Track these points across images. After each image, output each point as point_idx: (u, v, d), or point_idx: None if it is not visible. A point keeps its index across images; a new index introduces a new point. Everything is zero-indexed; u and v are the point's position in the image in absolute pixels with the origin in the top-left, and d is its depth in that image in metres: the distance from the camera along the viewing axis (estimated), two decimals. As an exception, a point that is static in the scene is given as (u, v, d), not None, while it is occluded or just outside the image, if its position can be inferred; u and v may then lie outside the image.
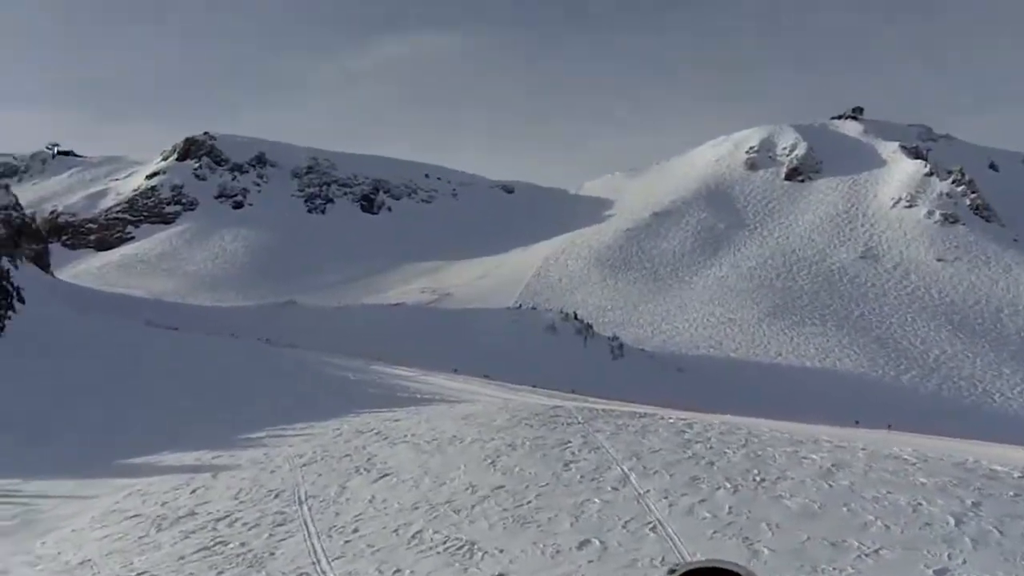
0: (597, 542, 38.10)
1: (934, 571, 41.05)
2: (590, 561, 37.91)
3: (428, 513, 39.61)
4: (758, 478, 40.90)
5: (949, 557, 39.87)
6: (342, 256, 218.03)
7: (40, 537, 38.78)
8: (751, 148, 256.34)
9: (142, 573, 34.69)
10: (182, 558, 35.56)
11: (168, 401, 72.69)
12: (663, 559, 37.34)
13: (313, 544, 38.72)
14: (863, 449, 43.74)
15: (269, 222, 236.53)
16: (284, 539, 38.24)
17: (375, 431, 50.82)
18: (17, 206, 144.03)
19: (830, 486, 41.90)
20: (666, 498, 39.02)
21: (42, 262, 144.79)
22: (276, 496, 40.60)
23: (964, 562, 36.89)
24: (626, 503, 38.79)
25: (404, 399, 77.84)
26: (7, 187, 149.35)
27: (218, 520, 39.40)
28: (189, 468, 47.96)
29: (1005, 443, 69.41)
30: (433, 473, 41.45)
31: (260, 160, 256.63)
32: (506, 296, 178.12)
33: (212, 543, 37.67)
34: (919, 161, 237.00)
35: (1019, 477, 44.26)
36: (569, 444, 42.98)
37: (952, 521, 40.50)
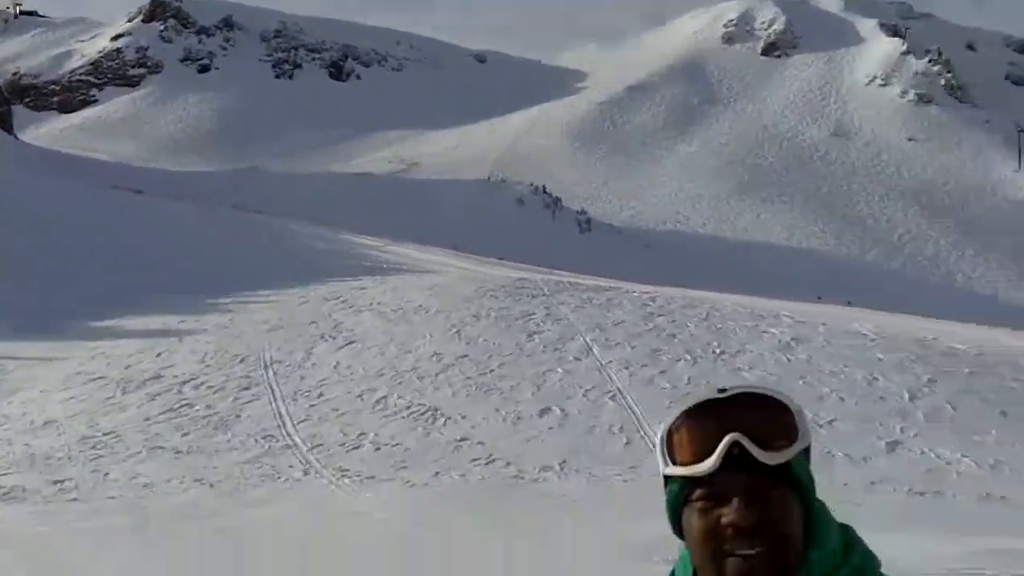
0: (558, 410, 38.66)
1: (886, 443, 42.11)
2: (550, 428, 38.55)
3: (393, 379, 39.97)
4: (718, 351, 41.34)
5: (901, 431, 40.83)
6: (309, 123, 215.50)
7: (6, 398, 38.91)
8: (730, 21, 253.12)
9: (107, 433, 35.01)
10: (147, 419, 35.86)
11: (132, 266, 72.39)
12: (621, 427, 37.93)
13: (278, 407, 39.10)
14: (823, 324, 44.34)
15: (235, 87, 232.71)
16: (249, 402, 38.56)
17: (341, 299, 50.95)
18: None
19: (789, 360, 42.47)
20: (627, 368, 39.42)
21: (5, 124, 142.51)
22: (241, 361, 40.79)
23: (916, 435, 37.78)
24: (588, 373, 39.37)
25: (370, 268, 77.87)
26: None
27: (183, 383, 39.60)
28: (155, 332, 48.07)
29: (965, 322, 70.32)
30: (398, 341, 41.71)
31: (227, 23, 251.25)
32: (475, 168, 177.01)
33: (178, 405, 37.94)
34: (896, 39, 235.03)
35: (976, 355, 45.14)
36: (533, 315, 43.24)
37: (907, 396, 41.34)
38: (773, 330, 42.44)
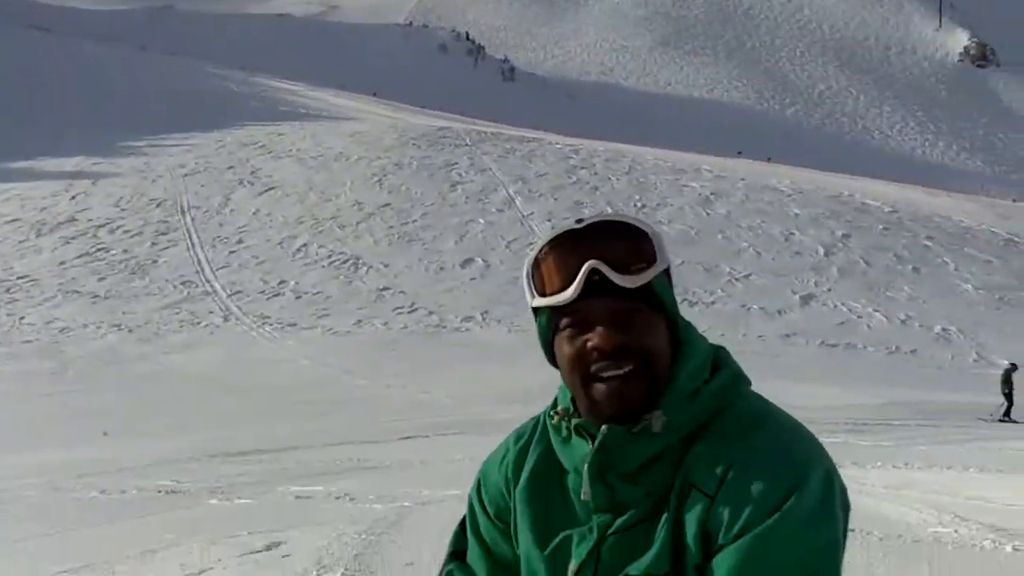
0: (480, 260, 38.77)
1: (800, 297, 42.98)
2: (473, 278, 38.73)
3: (313, 227, 39.68)
4: (639, 204, 41.58)
5: (816, 284, 41.69)
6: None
7: (-85, 239, 38.01)
8: None
9: (22, 277, 34.42)
10: (63, 263, 35.27)
11: (42, 106, 70.20)
12: (543, 279, 38.25)
13: (197, 254, 38.64)
14: (742, 180, 44.74)
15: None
16: (167, 248, 38.04)
17: (259, 144, 50.07)
18: None
19: (708, 214, 42.83)
20: (549, 221, 39.55)
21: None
22: (158, 205, 40.08)
23: (829, 290, 38.55)
24: (510, 224, 39.46)
25: (289, 113, 76.52)
26: None
27: (99, 227, 38.90)
28: (68, 174, 46.99)
29: (880, 179, 71.37)
30: (318, 189, 41.29)
31: None
32: (396, 11, 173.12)
33: (93, 249, 37.32)
34: None
35: (889, 212, 45.93)
36: (456, 165, 42.98)
37: (822, 251, 42.00)
38: (693, 184, 42.78)
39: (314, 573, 6.59)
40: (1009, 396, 27.74)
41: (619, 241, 1.77)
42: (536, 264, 1.82)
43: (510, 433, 2.06)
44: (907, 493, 10.78)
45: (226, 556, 7.27)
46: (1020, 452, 16.47)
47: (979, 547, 7.58)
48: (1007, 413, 27.22)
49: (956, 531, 8.27)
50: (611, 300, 1.75)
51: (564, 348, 1.80)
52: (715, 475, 1.72)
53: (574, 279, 1.75)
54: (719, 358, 1.87)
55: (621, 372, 1.74)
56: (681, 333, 1.84)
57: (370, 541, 7.86)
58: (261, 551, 7.45)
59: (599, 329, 1.75)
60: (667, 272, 1.81)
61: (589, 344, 1.76)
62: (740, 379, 1.86)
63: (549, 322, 1.83)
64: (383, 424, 21.07)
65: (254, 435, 19.07)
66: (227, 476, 13.06)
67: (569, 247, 1.78)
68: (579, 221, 1.83)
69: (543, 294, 1.81)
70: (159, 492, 11.61)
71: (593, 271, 1.74)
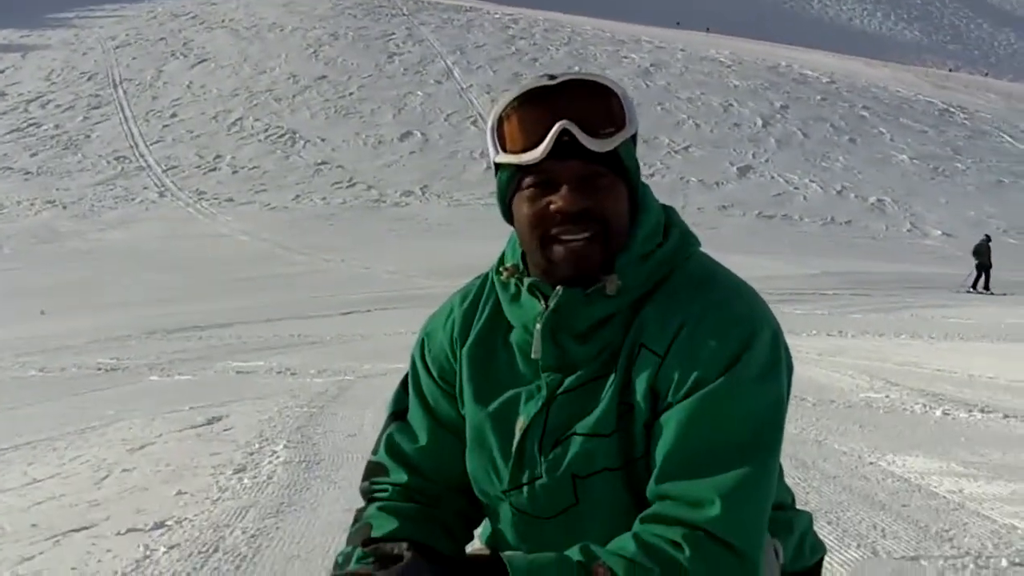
0: (419, 134, 38.49)
1: (738, 168, 43.28)
2: (412, 152, 38.50)
3: (248, 101, 39.07)
4: (579, 75, 41.25)
5: (754, 156, 42.00)
6: None
7: None
8: None
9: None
10: (-9, 140, 34.46)
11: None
12: (482, 152, 38.08)
13: (130, 128, 38.01)
14: (681, 51, 44.58)
15: None
16: (100, 122, 37.35)
17: (191, 15, 48.86)
18: None
19: (647, 85, 42.76)
20: (488, 93, 39.26)
21: None
22: (89, 79, 39.20)
23: (767, 161, 38.82)
24: (449, 97, 39.01)
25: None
26: None
27: (29, 102, 38.09)
28: (-8, 47, 45.60)
29: (818, 49, 71.38)
30: (253, 61, 40.53)
31: None
32: None
33: (25, 125, 36.61)
34: None
35: (827, 82, 46.14)
36: (393, 36, 42.33)
37: (760, 122, 42.18)
38: (633, 56, 42.57)
39: (256, 446, 6.62)
40: (981, 267, 28.19)
41: (591, 102, 1.73)
42: (502, 118, 1.78)
43: (454, 293, 2.03)
44: (840, 360, 11.01)
45: (167, 431, 7.27)
46: (951, 320, 16.87)
47: (910, 411, 7.78)
48: (976, 283, 27.72)
49: (887, 396, 8.48)
50: (578, 163, 1.71)
51: (524, 207, 1.77)
52: (665, 335, 1.72)
53: (542, 138, 1.71)
54: (669, 218, 1.86)
55: (581, 236, 1.72)
56: (640, 197, 1.83)
57: (312, 414, 7.90)
58: (202, 425, 7.46)
59: (563, 191, 1.72)
60: (634, 137, 1.79)
61: (552, 206, 1.73)
62: (689, 238, 1.85)
63: (511, 179, 1.79)
64: (323, 299, 21.06)
65: (193, 311, 18.99)
66: (166, 352, 13.03)
67: (539, 104, 1.73)
68: (552, 77, 1.78)
69: (507, 150, 1.77)
70: (99, 370, 11.55)
71: (564, 131, 1.70)
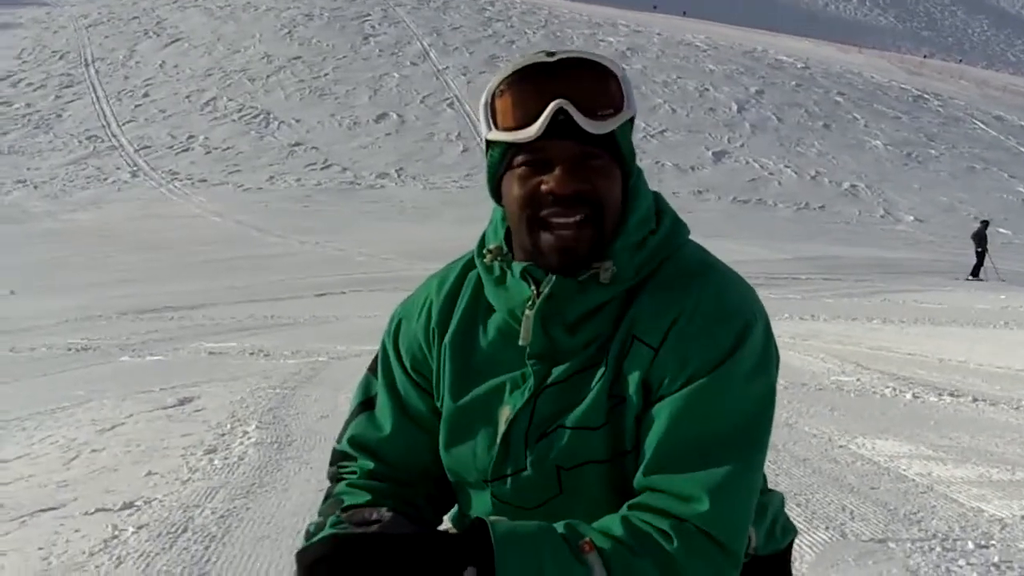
0: (395, 115, 38.34)
1: (713, 153, 43.35)
2: (387, 134, 38.39)
3: (222, 81, 38.79)
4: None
5: (729, 141, 42.06)
6: None
7: None
8: None
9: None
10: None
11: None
12: (459, 134, 37.99)
13: (102, 107, 37.71)
14: (658, 34, 44.57)
15: None
16: (71, 101, 37.04)
17: (165, -7, 48.38)
18: None
19: (624, 69, 42.59)
20: (464, 75, 39.18)
21: None
22: (61, 58, 38.83)
23: (742, 145, 38.84)
24: (425, 78, 38.86)
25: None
26: None
27: (0, 80, 37.67)
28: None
29: (793, 34, 71.52)
30: (227, 40, 40.23)
31: None
32: None
33: (-7, 103, 36.16)
34: None
35: (802, 68, 46.22)
36: (369, 17, 42.12)
37: (735, 107, 42.21)
38: (610, 39, 42.53)
39: (227, 427, 6.60)
40: (982, 254, 28.10)
41: (589, 81, 1.68)
42: (496, 94, 1.73)
43: (429, 278, 1.97)
44: (812, 343, 11.07)
45: (138, 411, 7.24)
46: (922, 305, 16.97)
47: (880, 395, 7.84)
48: (977, 271, 27.64)
49: (858, 379, 8.53)
50: (572, 144, 1.66)
51: (515, 187, 1.71)
52: (659, 328, 1.68)
53: (537, 116, 1.66)
54: (659, 205, 1.82)
55: (572, 220, 1.67)
56: (634, 182, 1.79)
57: (284, 395, 7.89)
58: (173, 406, 7.44)
59: (556, 172, 1.67)
60: (631, 120, 1.74)
61: (544, 187, 1.68)
62: (681, 225, 1.81)
63: (502, 157, 1.74)
64: (296, 281, 20.98)
65: (165, 292, 18.89)
66: (138, 333, 12.96)
67: (535, 81, 1.68)
68: (550, 54, 1.73)
69: (500, 127, 1.73)
70: (69, 350, 11.49)
71: (560, 110, 1.66)
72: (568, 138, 1.66)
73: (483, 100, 1.75)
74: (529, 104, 1.67)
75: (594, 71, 1.69)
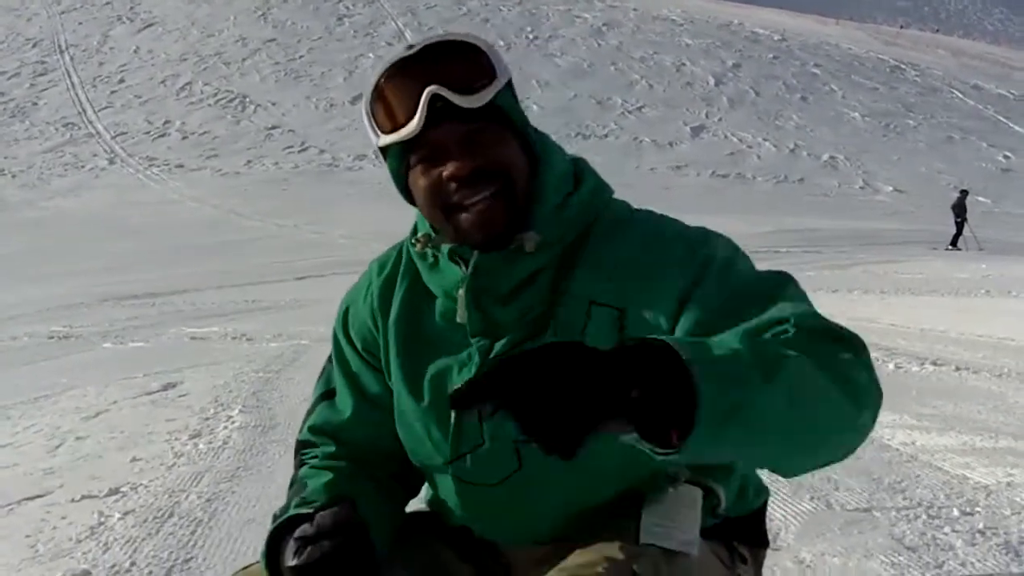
0: (371, 96, 38.02)
1: (691, 128, 43.36)
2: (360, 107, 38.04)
3: (197, 65, 38.63)
4: (531, 36, 41.23)
5: (707, 115, 42.07)
6: None
7: None
8: None
9: None
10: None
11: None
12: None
13: (77, 94, 37.53)
14: (634, 9, 44.52)
15: None
16: (46, 89, 36.84)
17: (137, -22, 48.07)
18: None
19: (600, 45, 42.66)
20: (440, 54, 38.98)
21: None
22: (34, 45, 38.61)
23: (720, 120, 38.83)
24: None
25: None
26: None
27: (-29, 68, 37.25)
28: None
29: (769, 7, 71.53)
30: (201, 24, 40.04)
31: None
32: None
33: (-34, 92, 35.84)
34: None
35: (778, 40, 46.24)
36: (343, -3, 41.74)
37: (712, 81, 42.23)
38: (585, 15, 42.48)
39: (211, 411, 6.60)
40: (960, 224, 28.28)
41: (455, 62, 1.68)
42: (373, 101, 1.73)
43: (371, 262, 1.98)
44: (794, 316, 11.06)
45: (122, 398, 7.23)
46: (902, 275, 17.04)
47: (862, 365, 7.85)
48: (956, 240, 27.81)
49: (840, 351, 8.53)
50: (458, 125, 1.66)
51: (419, 183, 1.71)
52: (614, 286, 1.69)
53: (415, 109, 1.67)
54: (579, 169, 1.83)
55: (481, 196, 1.68)
56: (537, 147, 1.79)
57: (268, 379, 7.88)
58: (157, 392, 7.43)
59: (451, 157, 1.69)
60: (510, 85, 1.74)
61: (444, 174, 1.68)
62: (604, 187, 1.82)
63: (400, 160, 1.74)
64: (277, 265, 20.93)
65: (145, 278, 18.81)
66: (120, 320, 12.91)
67: (404, 77, 1.68)
68: (409, 47, 1.74)
69: (386, 131, 1.73)
70: (51, 338, 11.45)
71: (435, 97, 1.65)
72: (452, 120, 1.66)
73: (364, 110, 1.76)
74: (405, 100, 1.67)
75: (458, 50, 1.70)
